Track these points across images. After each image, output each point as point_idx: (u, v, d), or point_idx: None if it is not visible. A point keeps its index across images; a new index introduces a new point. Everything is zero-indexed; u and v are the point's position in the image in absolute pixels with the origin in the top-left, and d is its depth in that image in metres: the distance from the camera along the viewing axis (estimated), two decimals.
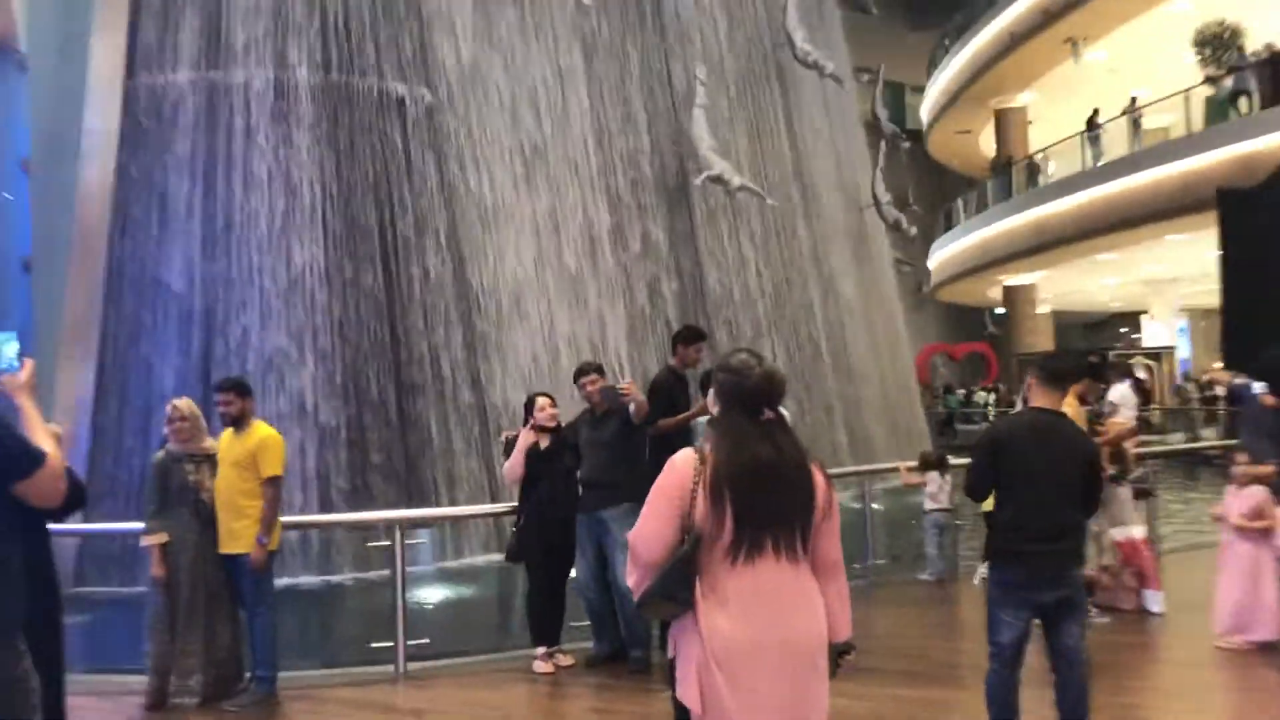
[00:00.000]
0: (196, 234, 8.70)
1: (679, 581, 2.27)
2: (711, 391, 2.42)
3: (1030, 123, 28.21)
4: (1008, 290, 28.22)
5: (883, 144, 17.00)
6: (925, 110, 32.02)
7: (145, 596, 4.62)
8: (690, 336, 5.53)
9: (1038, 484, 3.43)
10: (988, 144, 30.62)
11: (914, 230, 17.18)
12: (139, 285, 8.58)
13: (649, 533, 2.30)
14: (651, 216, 11.52)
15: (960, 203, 29.52)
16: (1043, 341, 31.05)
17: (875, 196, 15.87)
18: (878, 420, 13.81)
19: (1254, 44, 18.79)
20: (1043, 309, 35.42)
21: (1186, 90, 18.97)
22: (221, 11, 8.83)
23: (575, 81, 11.04)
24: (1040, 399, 3.59)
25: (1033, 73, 25.50)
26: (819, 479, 2.33)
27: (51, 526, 3.44)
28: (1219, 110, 18.25)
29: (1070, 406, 4.20)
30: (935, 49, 30.50)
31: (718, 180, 11.63)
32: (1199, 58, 19.90)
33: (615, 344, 10.69)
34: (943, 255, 30.38)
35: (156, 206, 8.66)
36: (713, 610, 2.25)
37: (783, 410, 2.46)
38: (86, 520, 7.67)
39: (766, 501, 2.25)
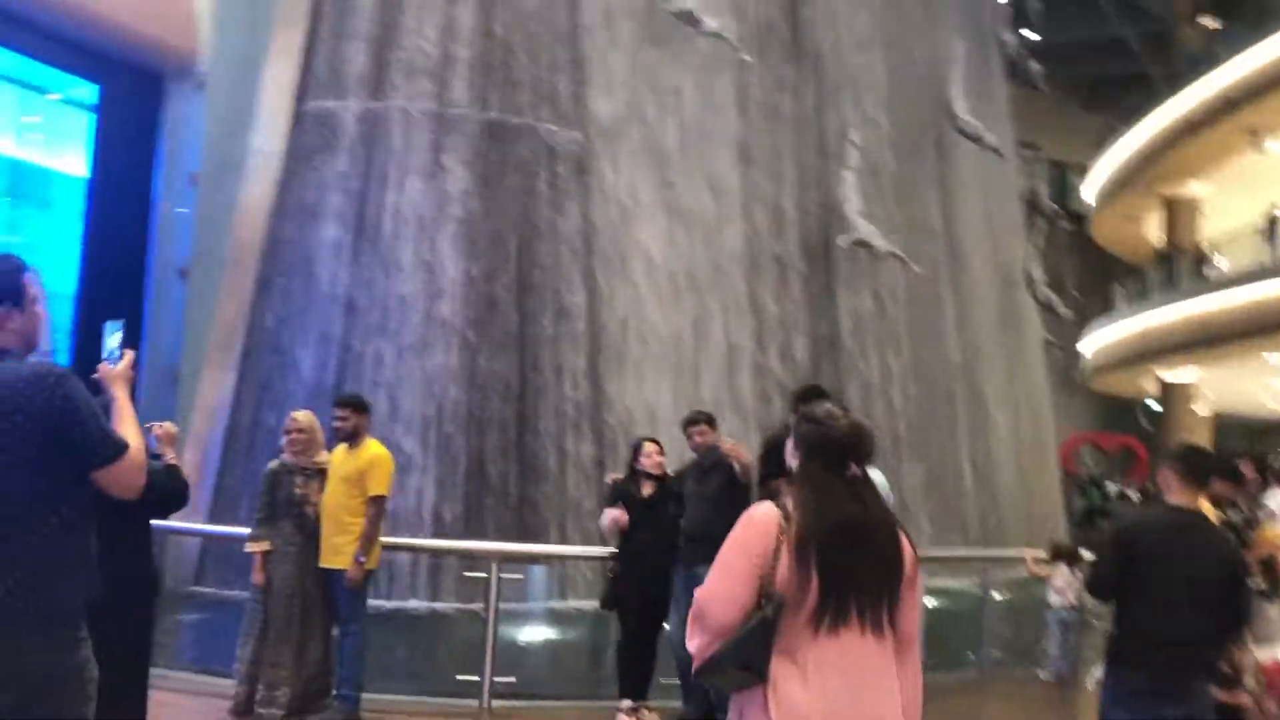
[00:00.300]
0: (345, 257, 8.96)
1: (757, 649, 2.07)
2: (789, 443, 2.24)
3: (1202, 214, 26.99)
4: (1164, 385, 26.86)
5: (1040, 222, 16.45)
6: (1091, 192, 30.97)
7: (246, 602, 4.69)
8: (811, 395, 5.37)
9: (1169, 588, 3.14)
10: (1154, 232, 29.40)
11: (1068, 313, 16.51)
12: (284, 301, 8.89)
13: (723, 593, 2.10)
14: (792, 275, 11.38)
15: (1120, 290, 28.39)
16: (1199, 442, 29.46)
17: (1029, 275, 15.35)
18: (1013, 505, 13.24)
19: None
20: (1202, 409, 33.68)
21: None
22: (390, 43, 9.15)
23: (727, 135, 11.04)
24: (1178, 495, 3.31)
25: (1208, 162, 24.38)
26: (906, 546, 2.14)
27: (162, 524, 3.49)
28: None
29: (1206, 509, 3.87)
30: (1105, 131, 29.53)
31: (862, 244, 11.44)
32: None
33: (745, 401, 10.56)
34: (1098, 343, 29.19)
35: (309, 227, 8.97)
36: (789, 681, 2.05)
37: (874, 473, 2.29)
38: (219, 521, 7.95)
39: (855, 565, 2.07)
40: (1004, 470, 13.66)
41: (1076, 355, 31.20)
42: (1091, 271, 36.54)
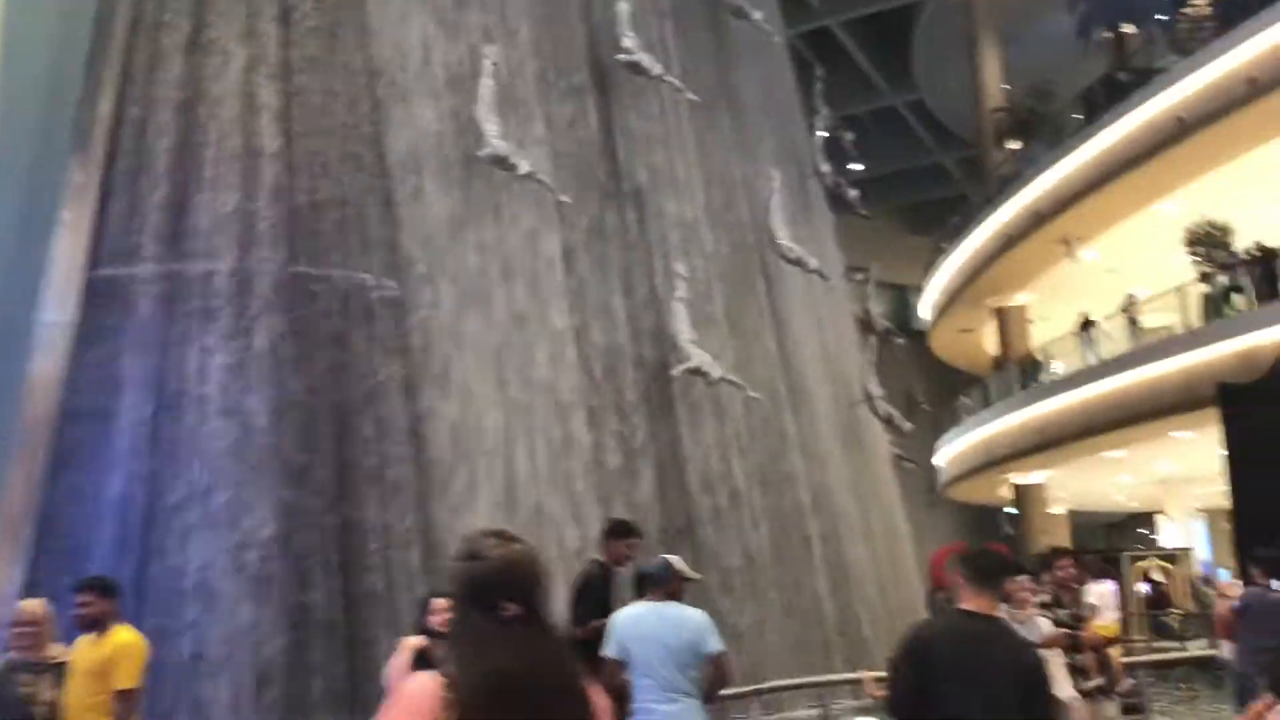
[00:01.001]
0: (143, 432, 8.40)
1: None
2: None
3: (1030, 321, 28.29)
4: (1018, 489, 27.59)
5: (872, 340, 16.87)
6: (926, 310, 32.27)
7: None
8: (620, 531, 5.12)
9: (966, 702, 2.93)
10: (989, 342, 30.66)
11: (908, 426, 16.82)
12: (78, 484, 8.24)
13: None
14: (630, 410, 11.23)
15: (964, 401, 29.35)
16: (1059, 542, 30.20)
17: (867, 392, 15.62)
18: (874, 624, 13.07)
19: (1243, 241, 18.90)
20: (1057, 509, 34.70)
21: (1180, 288, 19.00)
22: (185, 204, 8.83)
23: (553, 276, 10.97)
24: (970, 601, 3.13)
25: (1029, 272, 25.73)
26: (596, 701, 1.83)
27: None
28: (1216, 307, 18.20)
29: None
30: (935, 251, 30.96)
31: (697, 372, 11.40)
32: (1192, 256, 20.02)
33: (589, 548, 10.19)
34: (949, 453, 29.97)
35: (104, 402, 8.41)
36: None
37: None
38: None
39: None
40: (863, 591, 13.55)
41: (931, 468, 31.92)
42: (938, 385, 37.87)
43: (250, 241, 8.75)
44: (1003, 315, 28.03)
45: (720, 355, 12.32)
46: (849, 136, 19.58)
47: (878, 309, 19.05)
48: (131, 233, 8.80)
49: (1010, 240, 24.06)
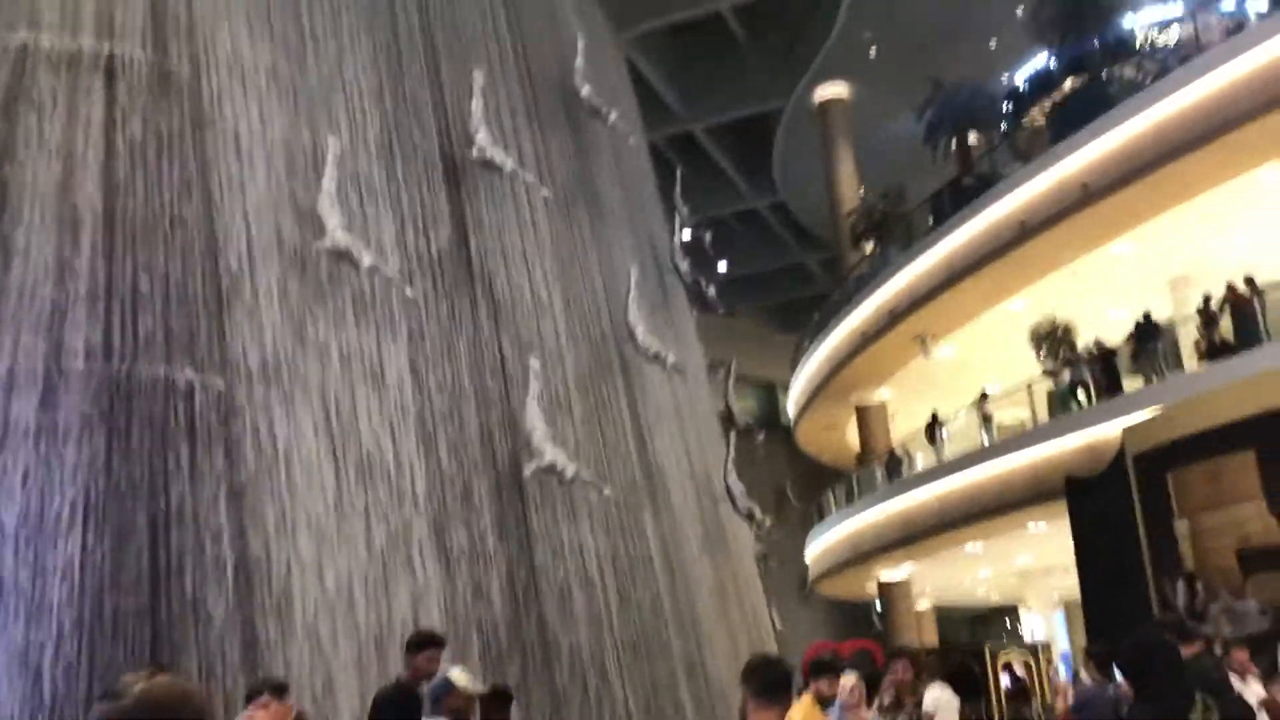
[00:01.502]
0: None
1: None
2: None
3: (891, 416, 28.88)
4: (882, 585, 27.78)
5: (732, 435, 16.83)
6: (791, 406, 32.69)
7: None
8: (418, 643, 4.72)
9: None
10: (854, 437, 31.16)
11: (768, 522, 16.73)
12: None
13: None
14: (479, 509, 10.80)
15: (830, 496, 29.63)
16: (926, 637, 30.46)
17: (728, 488, 15.49)
18: None
19: (1084, 339, 19.69)
20: (923, 604, 35.14)
21: (1027, 384, 19.61)
22: None
23: (399, 373, 10.57)
24: (756, 716, 2.87)
25: (888, 369, 26.33)
26: None
27: None
28: (1062, 401, 18.80)
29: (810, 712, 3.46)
30: (797, 348, 31.52)
31: (551, 470, 11.08)
32: (1036, 353, 20.76)
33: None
34: (817, 549, 30.10)
35: None
36: None
37: None
38: None
39: None
40: (727, 694, 13.18)
41: (802, 564, 31.99)
42: (808, 481, 38.26)
43: (64, 341, 8.14)
44: (864, 411, 28.54)
45: (576, 453, 12.05)
46: (708, 236, 19.83)
47: (739, 405, 19.08)
48: None
49: (867, 338, 24.62)
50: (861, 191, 30.65)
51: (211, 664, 7.97)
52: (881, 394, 28.32)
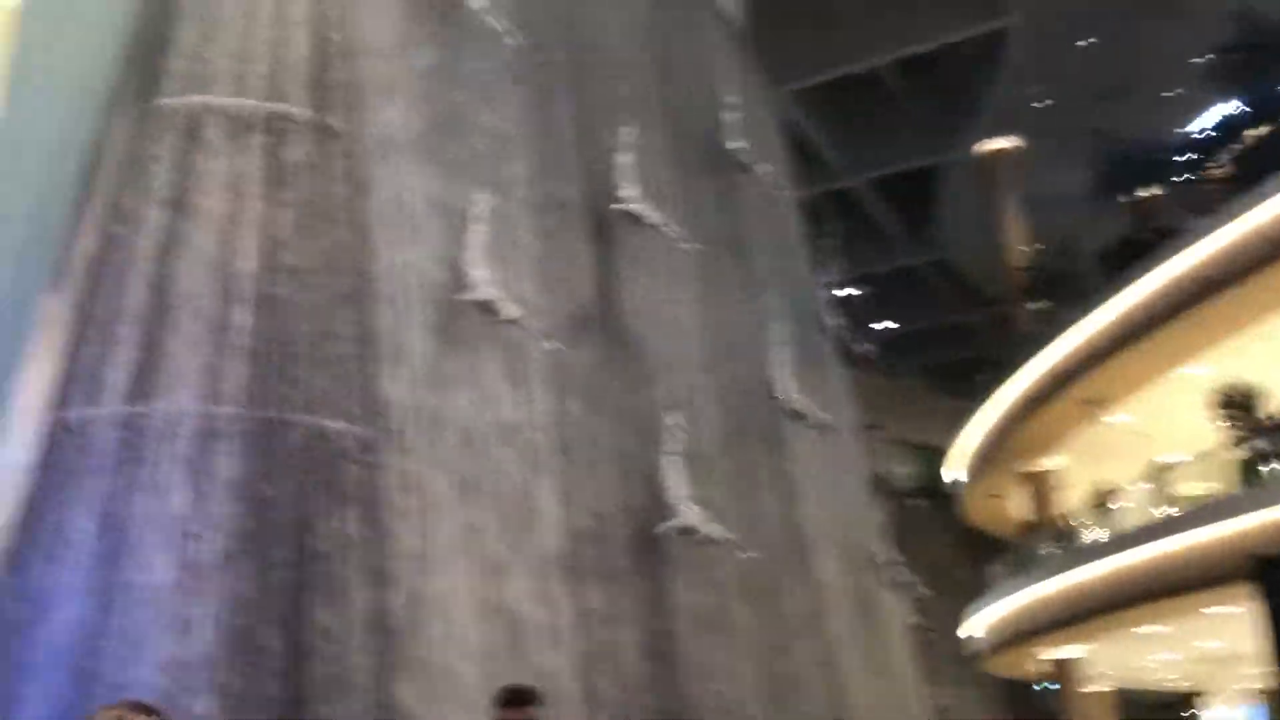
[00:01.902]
0: (96, 581, 7.92)
1: None
2: None
3: (1060, 487, 27.43)
4: (1055, 664, 26.18)
5: (891, 503, 16.17)
6: (956, 472, 31.48)
7: None
8: (511, 699, 4.52)
9: None
10: (1020, 507, 29.71)
11: (925, 592, 15.93)
12: (18, 631, 7.73)
13: None
14: (615, 568, 10.61)
15: (994, 569, 28.26)
16: None
17: (880, 557, 14.87)
18: None
19: (1275, 404, 18.25)
20: (1102, 686, 32.98)
21: (1208, 453, 18.28)
22: (157, 345, 8.54)
23: (540, 424, 10.54)
24: None
25: (1057, 435, 25.07)
26: None
27: None
28: (1248, 472, 17.44)
29: None
30: (959, 410, 30.41)
31: (688, 531, 10.81)
32: (1220, 422, 19.34)
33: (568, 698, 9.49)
34: (980, 624, 28.67)
35: (54, 553, 7.96)
36: None
37: None
38: None
39: None
40: None
41: (958, 640, 30.53)
42: (969, 550, 36.62)
43: (219, 387, 8.41)
44: (1031, 479, 27.19)
45: (718, 514, 11.76)
46: (859, 292, 19.35)
47: (898, 469, 18.41)
48: (98, 374, 8.49)
49: (1035, 402, 23.50)
50: (1031, 247, 29.55)
51: (353, 715, 7.98)
52: (1050, 462, 26.96)
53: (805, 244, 19.49)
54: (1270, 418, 17.81)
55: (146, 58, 9.32)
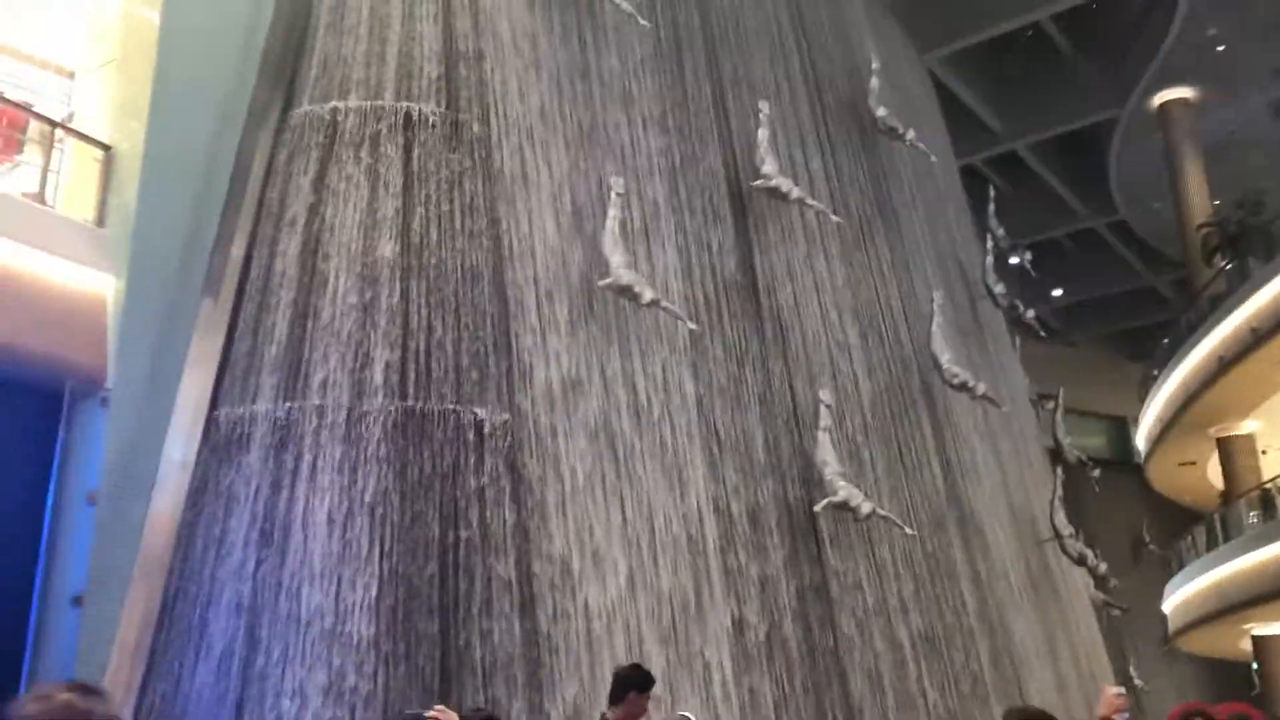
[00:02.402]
0: (250, 571, 8.28)
1: None
2: None
3: (1263, 451, 25.60)
4: (1257, 642, 24.49)
5: (1059, 472, 15.41)
6: (1141, 441, 29.76)
7: None
8: (643, 682, 4.44)
9: None
10: (1217, 475, 27.88)
11: (1102, 566, 15.10)
12: (185, 626, 8.17)
13: None
14: (770, 548, 10.45)
15: (1190, 540, 26.59)
16: None
17: (1055, 528, 14.17)
18: None
19: None
20: None
21: None
22: (305, 342, 8.88)
23: (686, 405, 10.48)
24: None
25: (1253, 397, 23.38)
26: None
27: None
28: None
29: None
30: (1145, 377, 28.75)
31: (844, 507, 10.55)
32: None
33: (722, 681, 9.41)
34: (1177, 600, 27.06)
35: (215, 542, 8.39)
36: None
37: None
38: None
39: None
40: None
41: (1161, 617, 28.91)
42: (1166, 523, 34.62)
43: (365, 380, 8.67)
44: (1226, 444, 25.45)
45: (876, 489, 11.46)
46: (1027, 257, 18.46)
47: (1082, 439, 17.51)
48: (251, 373, 8.89)
49: (1226, 362, 21.94)
50: (1216, 203, 27.62)
51: (497, 696, 8.10)
52: (1248, 425, 25.17)
53: (966, 211, 18.82)
54: None
55: (284, 67, 9.69)
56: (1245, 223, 24.00)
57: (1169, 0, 25.00)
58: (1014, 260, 18.16)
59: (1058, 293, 41.17)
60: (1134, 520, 41.54)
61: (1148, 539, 38.60)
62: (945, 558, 12.04)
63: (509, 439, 8.92)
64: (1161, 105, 28.22)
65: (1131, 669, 35.76)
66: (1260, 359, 21.02)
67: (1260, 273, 20.66)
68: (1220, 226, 25.20)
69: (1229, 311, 21.66)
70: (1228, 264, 23.81)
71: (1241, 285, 21.65)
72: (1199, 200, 27.90)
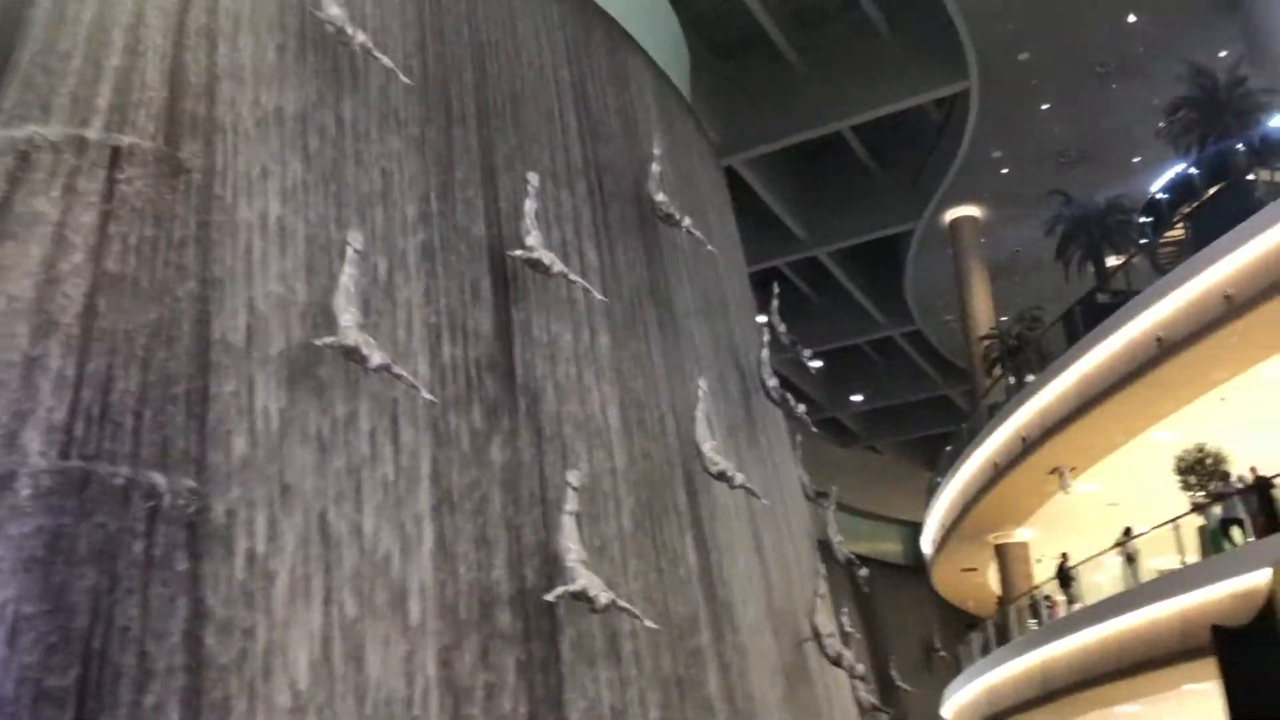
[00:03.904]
0: None
1: None
2: None
3: (1038, 560, 26.44)
4: None
5: (822, 569, 15.25)
6: (926, 546, 30.45)
7: None
8: None
9: None
10: (997, 582, 28.65)
11: (860, 668, 14.89)
12: None
13: None
14: (499, 643, 9.68)
15: (966, 647, 27.11)
16: None
17: (815, 627, 13.90)
18: None
19: (1239, 469, 17.41)
20: None
21: (1173, 521, 17.38)
22: None
23: (416, 486, 9.71)
24: None
25: (1026, 507, 24.20)
26: None
27: None
28: (1213, 541, 16.53)
29: None
30: (931, 483, 29.55)
31: (581, 597, 9.84)
32: (1182, 485, 18.49)
33: None
34: (953, 705, 27.43)
35: None
36: None
37: None
38: None
39: None
40: None
41: None
42: (955, 630, 35.37)
43: (22, 432, 7.61)
44: (1003, 552, 26.22)
45: (625, 580, 10.89)
46: (807, 354, 18.60)
47: (838, 537, 17.50)
48: None
49: (1000, 470, 22.64)
50: (1004, 319, 28.94)
51: None
52: (1022, 534, 26.02)
53: (752, 308, 18.88)
54: (1238, 480, 16.95)
55: None
56: (1023, 336, 25.12)
57: (959, 121, 26.36)
58: (808, 361, 18.29)
59: (858, 398, 42.33)
60: (927, 625, 42.41)
61: (938, 644, 39.36)
62: (695, 656, 11.50)
63: (191, 510, 7.96)
64: (952, 221, 29.60)
65: None
66: (1030, 467, 21.75)
67: (1030, 384, 21.48)
68: (1000, 339, 26.32)
69: (1002, 420, 22.42)
70: (1001, 376, 24.77)
71: (1014, 397, 22.49)
72: (984, 314, 29.21)
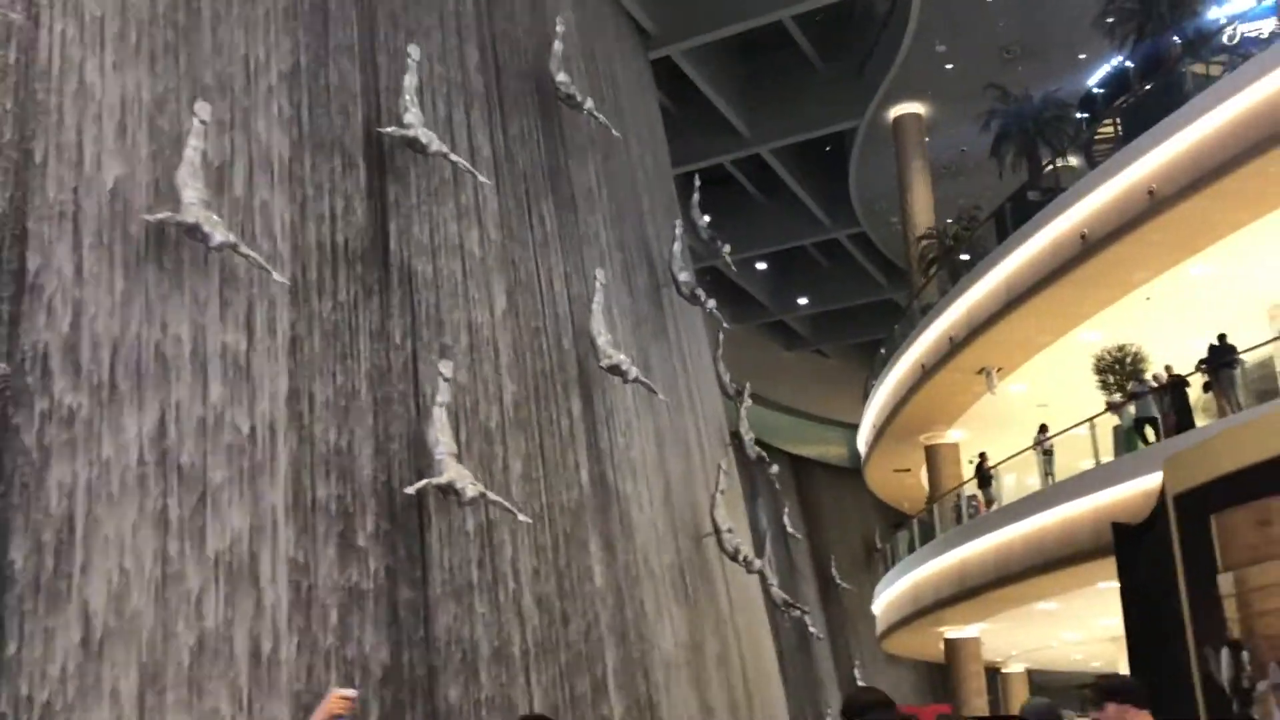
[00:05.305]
0: None
1: None
2: None
3: (970, 461, 26.51)
4: (948, 644, 25.28)
5: (723, 466, 14.97)
6: (861, 447, 30.48)
7: None
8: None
9: None
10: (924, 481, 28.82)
11: (757, 563, 14.75)
12: None
13: None
14: (363, 538, 9.31)
15: (891, 545, 27.38)
16: (1017, 703, 27.83)
17: (715, 522, 13.68)
18: None
19: (1160, 369, 17.27)
20: (1014, 667, 32.32)
21: (1089, 421, 17.27)
22: None
23: (272, 373, 9.20)
24: None
25: (955, 408, 24.14)
26: None
27: None
28: (1128, 440, 16.45)
29: None
30: (866, 384, 29.43)
31: (448, 490, 9.50)
32: (1100, 385, 18.37)
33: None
34: (882, 602, 27.77)
35: None
36: None
37: None
38: None
39: None
40: None
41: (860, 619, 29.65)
42: (890, 528, 35.76)
43: None
44: (933, 452, 26.25)
45: (504, 474, 10.53)
46: (725, 249, 18.10)
47: (749, 434, 17.24)
48: None
49: (927, 371, 22.47)
50: (950, 221, 28.53)
51: None
52: (953, 434, 26.03)
53: (675, 202, 18.30)
54: (1153, 379, 16.81)
55: None
56: (959, 236, 24.75)
57: (903, 12, 25.50)
58: (726, 257, 17.78)
59: (804, 301, 42.01)
60: (869, 525, 42.95)
61: (879, 544, 39.91)
62: (580, 553, 11.24)
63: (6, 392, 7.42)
64: (896, 119, 28.91)
65: (856, 670, 36.78)
66: (958, 367, 21.59)
67: (958, 284, 21.18)
68: (938, 239, 25.93)
69: (931, 321, 22.18)
70: (933, 276, 24.46)
71: (942, 298, 22.22)
72: (925, 215, 28.73)
